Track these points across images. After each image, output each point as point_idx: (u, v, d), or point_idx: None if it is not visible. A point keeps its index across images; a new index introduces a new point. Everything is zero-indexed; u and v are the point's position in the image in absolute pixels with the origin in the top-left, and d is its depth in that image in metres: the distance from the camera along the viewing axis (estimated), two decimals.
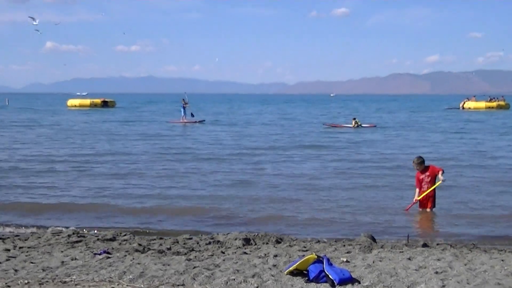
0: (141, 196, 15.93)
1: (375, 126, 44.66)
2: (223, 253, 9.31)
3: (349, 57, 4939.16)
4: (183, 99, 48.54)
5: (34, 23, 43.90)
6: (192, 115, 48.85)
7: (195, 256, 8.97)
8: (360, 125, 43.80)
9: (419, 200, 13.56)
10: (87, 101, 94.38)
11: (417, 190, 13.58)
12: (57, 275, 7.81)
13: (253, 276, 7.66)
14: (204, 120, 49.92)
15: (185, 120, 47.44)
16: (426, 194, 13.48)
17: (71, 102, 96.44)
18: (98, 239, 10.47)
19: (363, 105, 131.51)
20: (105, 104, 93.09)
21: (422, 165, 13.52)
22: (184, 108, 48.22)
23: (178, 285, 7.42)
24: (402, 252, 9.25)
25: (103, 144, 30.36)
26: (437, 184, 13.41)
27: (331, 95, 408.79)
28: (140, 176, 19.30)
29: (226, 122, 52.58)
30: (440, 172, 13.35)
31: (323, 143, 31.44)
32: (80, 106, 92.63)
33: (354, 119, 45.19)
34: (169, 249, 9.74)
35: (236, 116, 65.94)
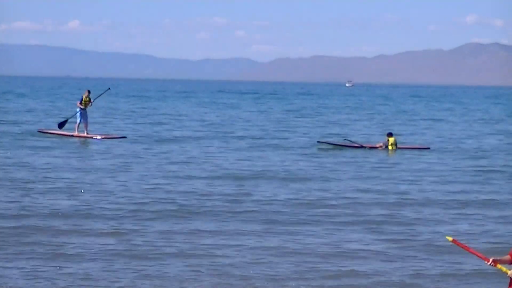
0: None
1: (428, 148, 28.89)
2: None
3: (379, 9, 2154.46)
4: (88, 93, 29.22)
5: None
6: (61, 125, 29.92)
7: None
8: (395, 146, 27.51)
9: None
10: None
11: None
12: None
13: None
14: (125, 137, 30.00)
15: (85, 134, 29.07)
16: None
17: None
18: None
19: (417, 102, 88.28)
20: None
21: None
22: (82, 110, 29.07)
23: None
24: None
25: None
26: None
27: (347, 84, 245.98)
28: None
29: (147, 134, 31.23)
30: None
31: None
32: None
33: (390, 135, 27.69)
34: None
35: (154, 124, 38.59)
